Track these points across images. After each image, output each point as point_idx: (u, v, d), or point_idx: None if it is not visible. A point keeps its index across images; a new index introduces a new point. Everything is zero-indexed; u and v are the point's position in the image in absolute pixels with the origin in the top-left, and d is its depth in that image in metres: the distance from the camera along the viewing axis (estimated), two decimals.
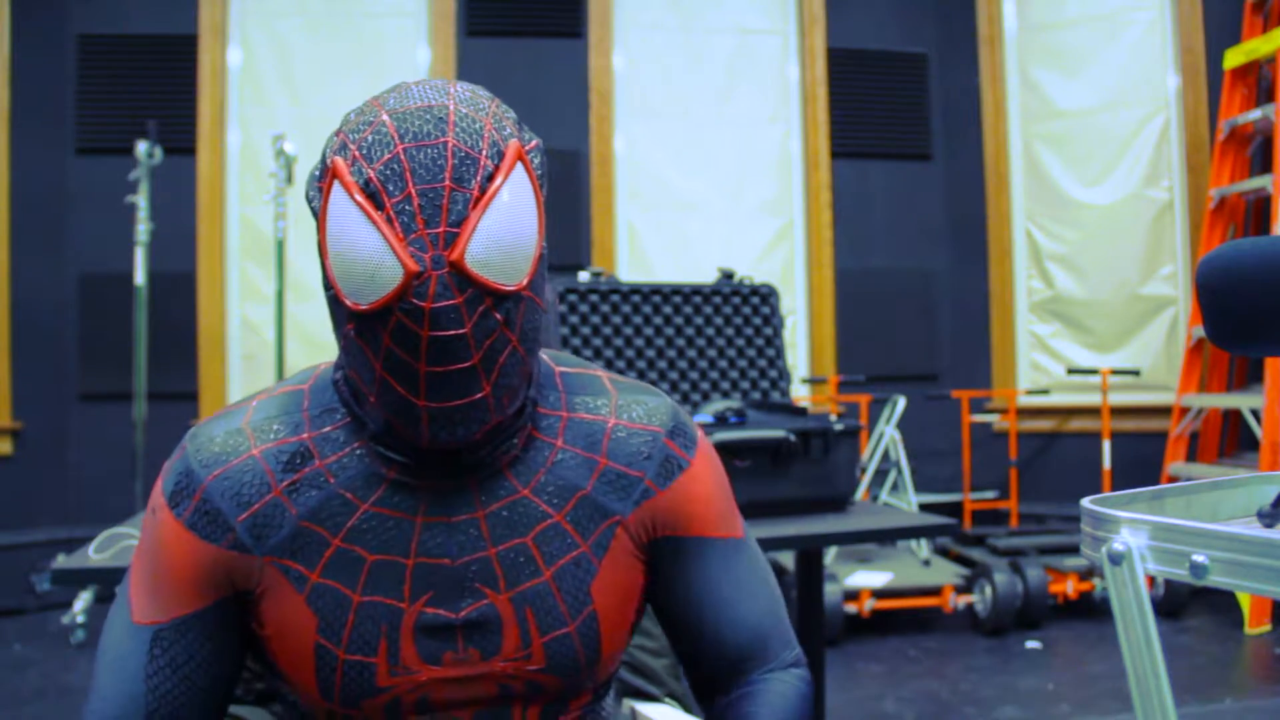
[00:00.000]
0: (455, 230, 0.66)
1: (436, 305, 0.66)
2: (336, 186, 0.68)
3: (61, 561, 1.64)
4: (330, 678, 0.75)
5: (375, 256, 0.66)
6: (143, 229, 3.67)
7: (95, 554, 1.67)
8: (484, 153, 0.68)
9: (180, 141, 4.15)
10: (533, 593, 0.78)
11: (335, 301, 0.71)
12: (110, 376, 4.08)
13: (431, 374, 0.68)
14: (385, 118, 0.68)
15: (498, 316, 0.69)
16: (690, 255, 4.52)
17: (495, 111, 0.71)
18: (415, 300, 0.66)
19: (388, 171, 0.66)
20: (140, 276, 3.70)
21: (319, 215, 0.70)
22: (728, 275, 2.69)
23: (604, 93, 4.48)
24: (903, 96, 4.71)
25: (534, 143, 0.73)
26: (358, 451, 0.77)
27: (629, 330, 2.55)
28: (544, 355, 0.87)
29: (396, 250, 0.65)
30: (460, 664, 0.76)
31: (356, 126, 0.69)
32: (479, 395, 0.69)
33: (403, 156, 0.66)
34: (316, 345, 4.27)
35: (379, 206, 0.66)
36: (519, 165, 0.70)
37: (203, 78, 4.22)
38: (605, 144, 4.47)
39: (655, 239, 4.54)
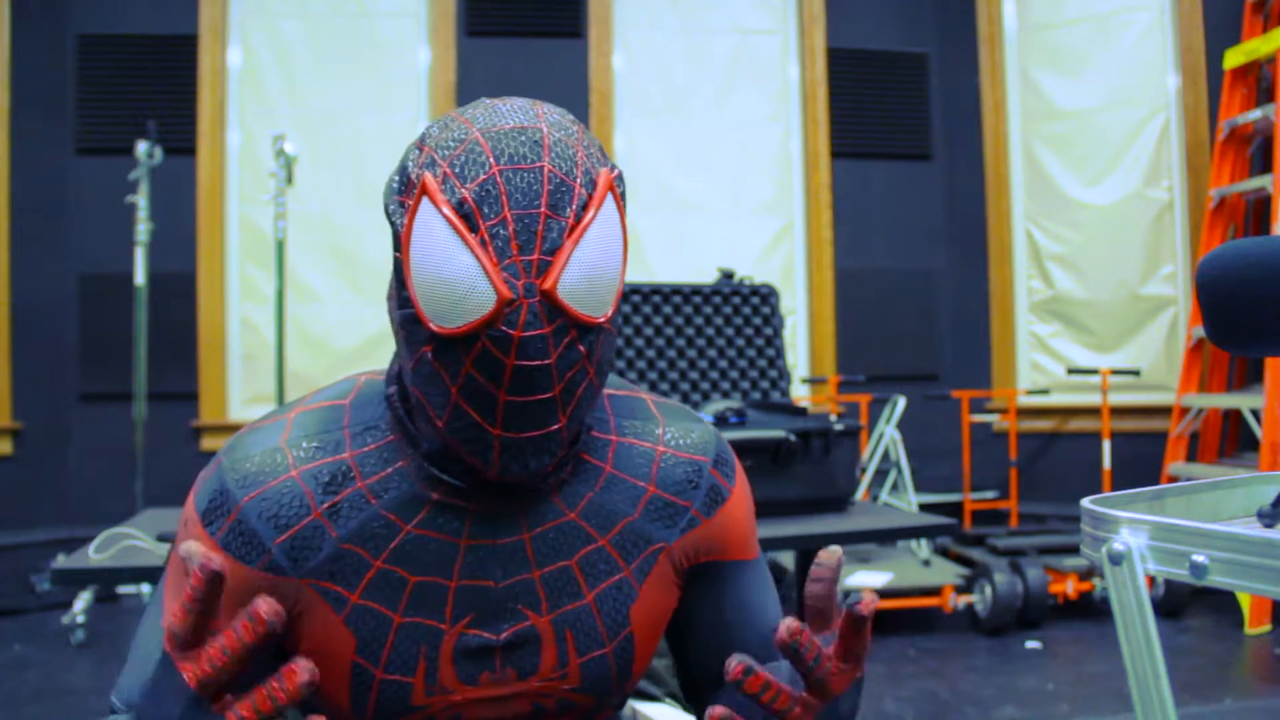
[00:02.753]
0: (549, 259, 0.64)
1: (525, 334, 0.64)
2: (425, 204, 0.66)
3: (61, 561, 1.64)
4: (365, 696, 0.75)
5: (467, 280, 0.64)
6: (143, 229, 3.68)
7: (95, 554, 1.67)
8: (578, 180, 0.67)
9: (180, 141, 4.16)
10: (573, 614, 0.78)
11: (413, 321, 0.68)
12: (110, 376, 4.08)
13: (511, 403, 0.66)
14: (478, 136, 0.67)
15: (581, 349, 0.68)
16: (690, 255, 4.52)
17: (584, 138, 0.70)
18: (504, 328, 0.64)
19: (483, 193, 0.64)
20: (140, 276, 3.71)
21: (402, 232, 0.68)
22: (728, 275, 2.70)
23: (604, 93, 4.48)
24: (903, 96, 4.71)
25: (617, 171, 0.72)
26: (401, 470, 0.76)
27: (629, 330, 2.55)
28: None
29: (490, 275, 0.63)
30: (497, 684, 0.77)
31: (445, 143, 0.67)
32: (554, 427, 0.69)
33: (499, 178, 0.65)
34: (317, 346, 4.28)
35: (473, 228, 0.64)
36: (609, 195, 0.69)
37: (203, 78, 4.22)
38: (605, 144, 4.47)
39: (655, 239, 4.54)
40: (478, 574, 0.76)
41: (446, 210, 0.64)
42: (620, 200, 0.70)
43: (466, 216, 0.64)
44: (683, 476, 0.83)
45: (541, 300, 0.65)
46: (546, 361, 0.65)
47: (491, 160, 0.65)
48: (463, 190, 0.65)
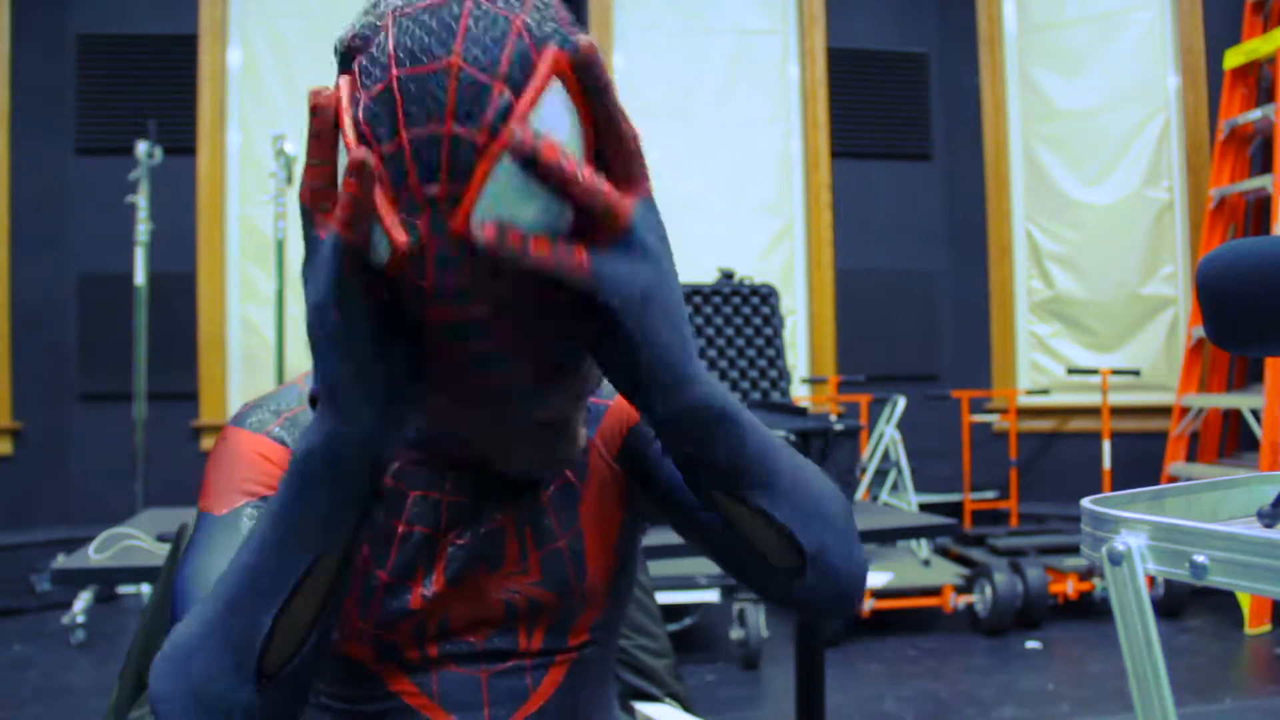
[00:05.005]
0: (459, 190, 0.52)
1: (437, 284, 0.54)
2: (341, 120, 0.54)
3: (61, 561, 1.64)
4: (369, 597, 0.79)
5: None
6: (143, 229, 3.68)
7: (95, 554, 1.67)
8: (502, 74, 0.52)
9: (180, 141, 4.15)
10: (530, 512, 0.83)
11: None
12: (110, 376, 4.08)
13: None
14: (390, 19, 0.54)
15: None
16: (690, 255, 4.52)
17: (537, 2, 0.56)
18: (415, 280, 0.54)
19: (376, 110, 0.52)
20: (140, 276, 3.71)
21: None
22: (728, 275, 2.70)
23: None
24: (903, 96, 4.71)
25: (581, 44, 0.53)
26: None
27: None
28: None
29: (383, 219, 0.51)
30: (471, 579, 0.81)
31: (366, 22, 0.55)
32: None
33: (395, 86, 0.52)
34: None
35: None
36: (555, 84, 0.53)
37: (203, 78, 4.22)
38: None
39: None
40: (461, 492, 0.81)
41: (349, 131, 0.53)
42: (578, 87, 0.54)
43: (364, 141, 0.52)
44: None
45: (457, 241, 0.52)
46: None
47: (391, 60, 0.52)
48: (363, 101, 0.53)
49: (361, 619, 0.79)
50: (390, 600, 0.79)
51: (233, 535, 0.70)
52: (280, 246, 3.54)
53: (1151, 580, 0.80)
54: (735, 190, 4.63)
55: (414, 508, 0.80)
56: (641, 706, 1.14)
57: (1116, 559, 0.80)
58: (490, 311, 0.55)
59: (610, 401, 0.87)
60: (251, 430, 0.77)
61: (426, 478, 0.81)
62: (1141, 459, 4.16)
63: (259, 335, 4.27)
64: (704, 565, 2.95)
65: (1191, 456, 4.04)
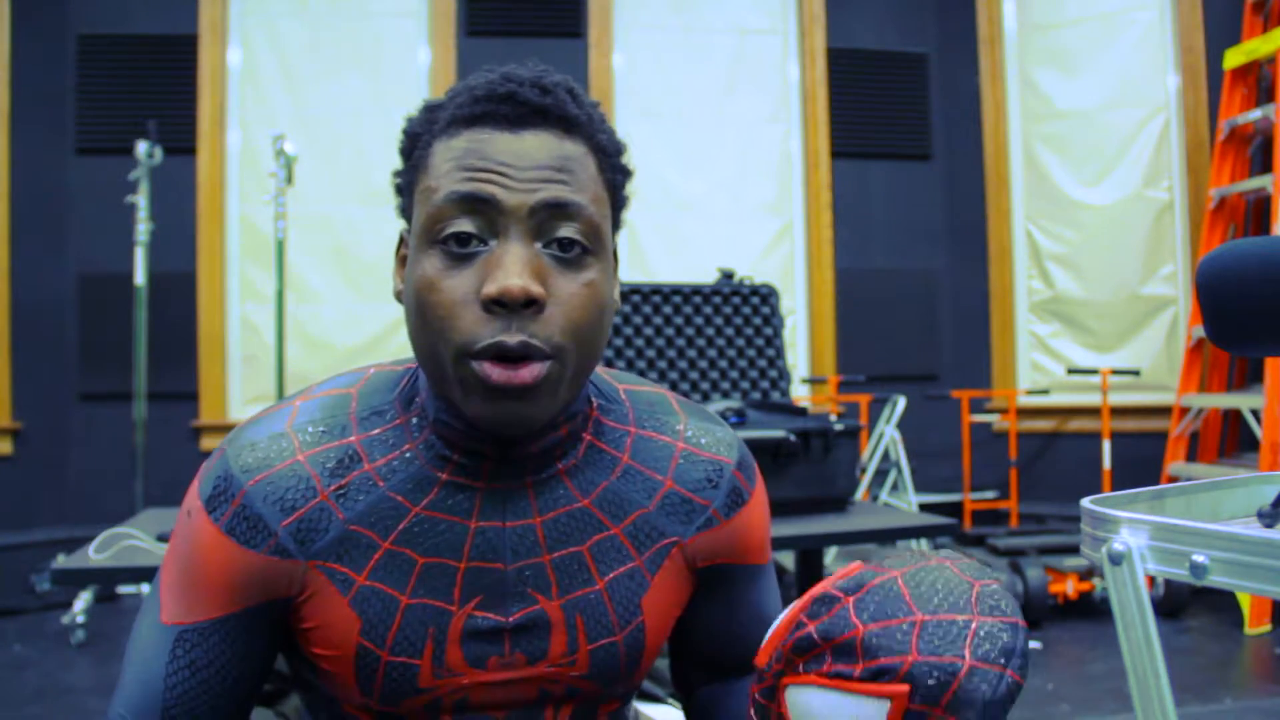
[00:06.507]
0: None
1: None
2: None
3: (61, 561, 1.64)
4: (371, 677, 0.74)
5: None
6: (143, 229, 3.67)
7: (95, 554, 1.67)
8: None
9: (180, 141, 4.15)
10: (584, 601, 0.77)
11: None
12: (110, 376, 4.08)
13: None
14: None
15: None
16: (690, 255, 4.52)
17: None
18: None
19: None
20: (140, 276, 3.70)
21: None
22: (728, 275, 2.70)
23: (604, 93, 4.48)
24: (903, 96, 4.71)
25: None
26: (408, 454, 0.76)
27: (629, 330, 2.55)
28: (605, 373, 0.87)
29: None
30: (505, 668, 0.76)
31: None
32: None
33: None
34: (317, 346, 4.27)
35: None
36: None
37: (203, 78, 4.22)
38: None
39: (655, 239, 4.54)
40: (487, 556, 0.75)
41: None
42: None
43: None
44: (702, 475, 0.83)
45: None
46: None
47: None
48: None
49: (364, 695, 0.75)
50: (394, 677, 0.74)
51: (162, 646, 0.75)
52: (280, 246, 3.54)
53: (1151, 580, 0.80)
54: (735, 190, 4.62)
55: (421, 575, 0.74)
56: (642, 706, 1.13)
57: (1116, 559, 0.80)
58: None
59: (724, 520, 0.83)
60: (213, 519, 0.73)
61: (439, 538, 0.74)
62: (1141, 459, 4.16)
63: (259, 335, 4.26)
64: None
65: (1191, 456, 4.04)
